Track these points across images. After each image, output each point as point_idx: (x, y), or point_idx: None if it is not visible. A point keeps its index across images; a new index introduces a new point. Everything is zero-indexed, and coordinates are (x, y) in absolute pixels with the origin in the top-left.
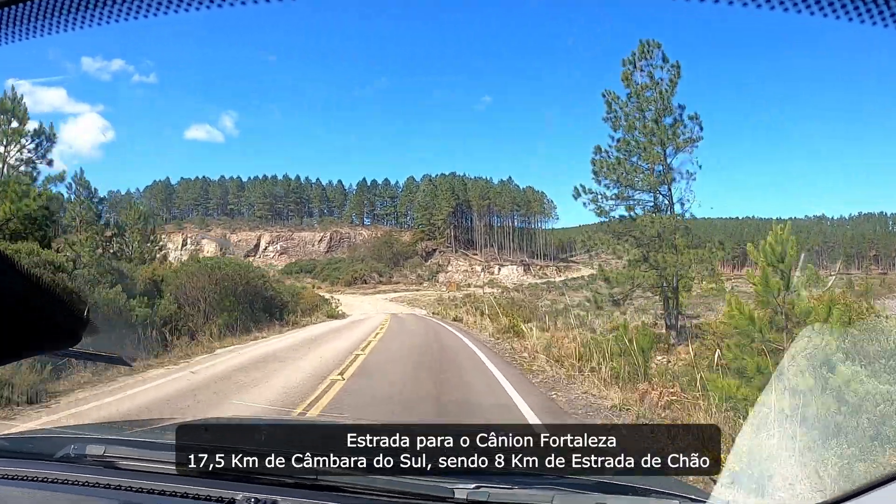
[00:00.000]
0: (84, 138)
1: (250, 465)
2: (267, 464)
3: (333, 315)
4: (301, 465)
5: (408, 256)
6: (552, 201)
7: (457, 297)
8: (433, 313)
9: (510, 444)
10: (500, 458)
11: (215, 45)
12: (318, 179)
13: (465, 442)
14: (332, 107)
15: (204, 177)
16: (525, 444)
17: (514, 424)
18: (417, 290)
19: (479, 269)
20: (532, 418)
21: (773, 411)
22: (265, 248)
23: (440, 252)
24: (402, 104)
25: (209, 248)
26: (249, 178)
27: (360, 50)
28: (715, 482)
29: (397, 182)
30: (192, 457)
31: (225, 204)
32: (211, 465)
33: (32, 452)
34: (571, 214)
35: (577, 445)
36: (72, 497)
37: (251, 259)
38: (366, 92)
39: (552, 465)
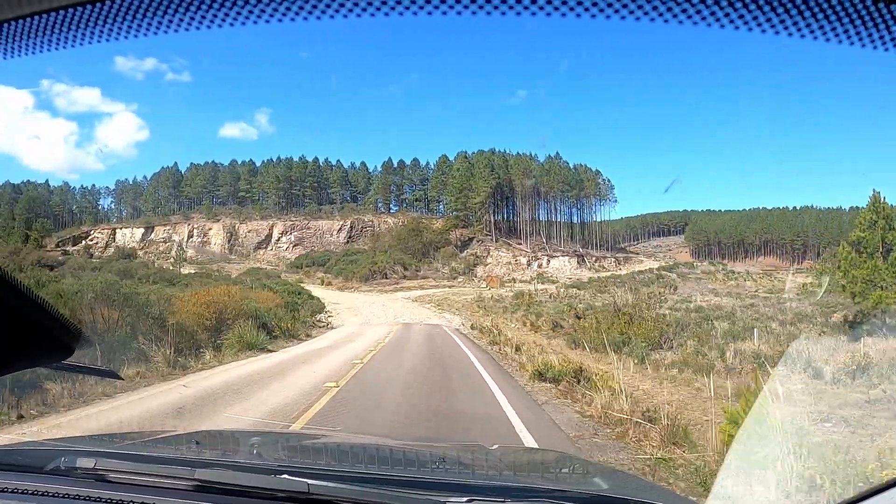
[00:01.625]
0: (119, 137)
1: (242, 479)
2: (259, 477)
3: (259, 344)
4: (293, 479)
5: (439, 246)
6: (609, 180)
7: (503, 297)
8: (472, 327)
9: (503, 461)
10: (493, 472)
11: (247, 43)
12: (338, 161)
13: (458, 457)
14: (364, 99)
15: (213, 161)
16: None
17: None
18: (451, 287)
19: (524, 260)
20: None
21: (768, 416)
22: (278, 239)
23: (478, 241)
24: (433, 92)
25: (217, 240)
26: (263, 160)
27: (392, 43)
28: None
29: (428, 163)
30: (183, 470)
31: (236, 191)
32: (203, 479)
33: (22, 465)
34: (632, 200)
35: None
36: None
37: (262, 252)
38: (398, 86)
39: (545, 480)
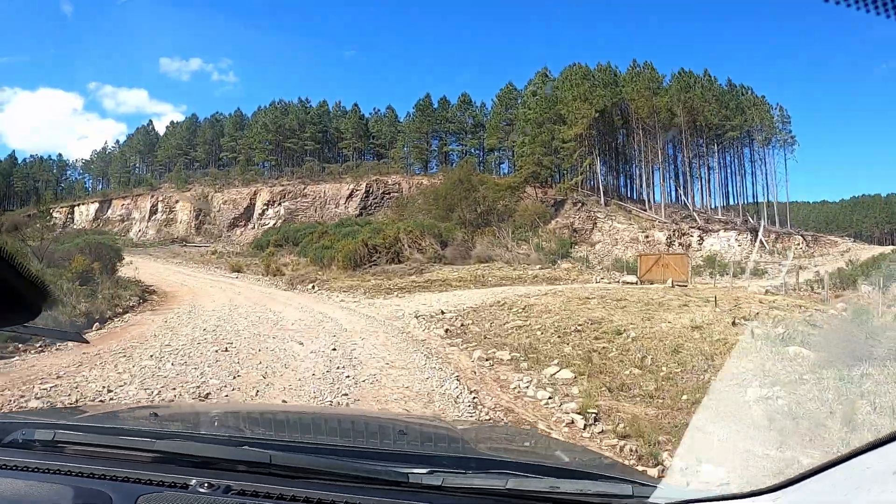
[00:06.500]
0: None
1: (203, 450)
2: (220, 448)
3: None
4: (254, 449)
5: (504, 213)
6: (783, 110)
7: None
8: None
9: (465, 435)
10: (455, 445)
11: (291, 42)
12: (354, 105)
13: (420, 430)
14: (412, 100)
15: (193, 115)
16: (480, 436)
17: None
18: (553, 283)
19: (660, 236)
20: None
21: (726, 397)
22: (262, 212)
23: (574, 205)
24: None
25: (183, 216)
26: (255, 109)
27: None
28: (666, 469)
29: (483, 103)
30: (144, 441)
31: (217, 150)
32: (163, 450)
33: None
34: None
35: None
36: (20, 483)
37: (239, 231)
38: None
39: (507, 453)
